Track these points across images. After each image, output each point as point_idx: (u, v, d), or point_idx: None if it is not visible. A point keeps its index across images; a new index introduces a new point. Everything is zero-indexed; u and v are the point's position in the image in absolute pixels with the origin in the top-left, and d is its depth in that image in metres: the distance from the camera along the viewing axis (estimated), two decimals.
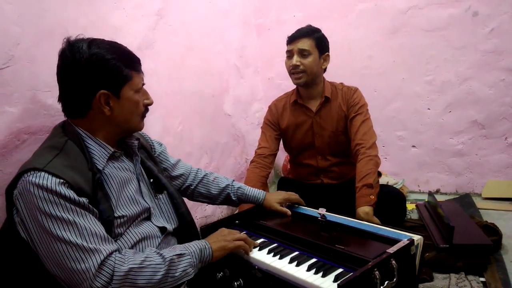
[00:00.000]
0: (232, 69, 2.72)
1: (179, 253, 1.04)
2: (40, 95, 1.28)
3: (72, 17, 1.43)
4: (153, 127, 1.90)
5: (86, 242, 0.91)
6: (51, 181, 0.91)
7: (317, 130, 1.93)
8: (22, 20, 1.23)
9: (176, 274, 1.00)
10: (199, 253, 1.07)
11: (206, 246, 1.10)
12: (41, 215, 0.90)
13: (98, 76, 1.02)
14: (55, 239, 0.90)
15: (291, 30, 1.87)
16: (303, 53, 1.81)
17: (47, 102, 1.29)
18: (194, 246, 1.08)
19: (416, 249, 1.14)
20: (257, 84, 3.06)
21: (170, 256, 1.01)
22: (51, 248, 0.90)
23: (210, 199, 1.52)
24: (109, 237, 0.97)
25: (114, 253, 0.95)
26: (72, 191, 0.93)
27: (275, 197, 1.53)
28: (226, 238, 1.17)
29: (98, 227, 0.96)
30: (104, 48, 1.04)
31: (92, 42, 1.04)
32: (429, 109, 2.56)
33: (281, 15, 2.90)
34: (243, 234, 1.22)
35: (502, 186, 2.42)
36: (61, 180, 0.92)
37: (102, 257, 0.92)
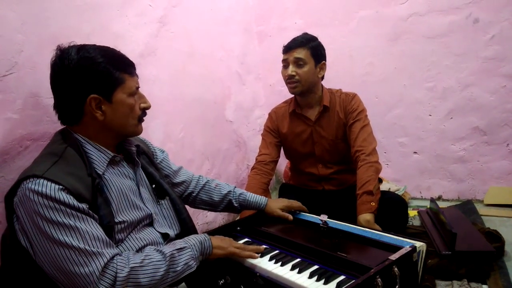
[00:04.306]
0: (233, 76, 2.73)
1: (179, 247, 1.05)
2: (42, 102, 1.28)
3: (75, 25, 1.45)
4: (155, 134, 1.91)
5: (89, 246, 0.91)
6: (50, 188, 0.91)
7: (317, 139, 1.92)
8: (25, 27, 1.24)
9: (178, 269, 1.01)
10: (199, 245, 1.08)
11: (206, 239, 1.11)
12: (42, 221, 0.90)
13: (88, 80, 1.01)
14: (57, 245, 0.90)
15: (292, 37, 1.86)
16: (298, 63, 1.79)
17: (49, 108, 1.28)
18: (194, 239, 1.10)
19: (419, 256, 1.14)
20: (258, 91, 3.07)
21: (170, 252, 1.02)
22: (53, 253, 0.90)
23: (212, 206, 1.51)
24: (110, 241, 0.97)
25: (116, 256, 0.95)
26: (71, 197, 0.93)
27: (277, 204, 1.52)
28: (226, 242, 1.18)
29: (99, 232, 0.96)
30: (93, 53, 1.03)
31: (82, 47, 1.04)
32: (430, 115, 2.56)
33: (282, 22, 2.91)
34: (242, 245, 1.22)
35: (504, 192, 2.41)
36: (60, 187, 0.92)
37: (105, 260, 0.92)
